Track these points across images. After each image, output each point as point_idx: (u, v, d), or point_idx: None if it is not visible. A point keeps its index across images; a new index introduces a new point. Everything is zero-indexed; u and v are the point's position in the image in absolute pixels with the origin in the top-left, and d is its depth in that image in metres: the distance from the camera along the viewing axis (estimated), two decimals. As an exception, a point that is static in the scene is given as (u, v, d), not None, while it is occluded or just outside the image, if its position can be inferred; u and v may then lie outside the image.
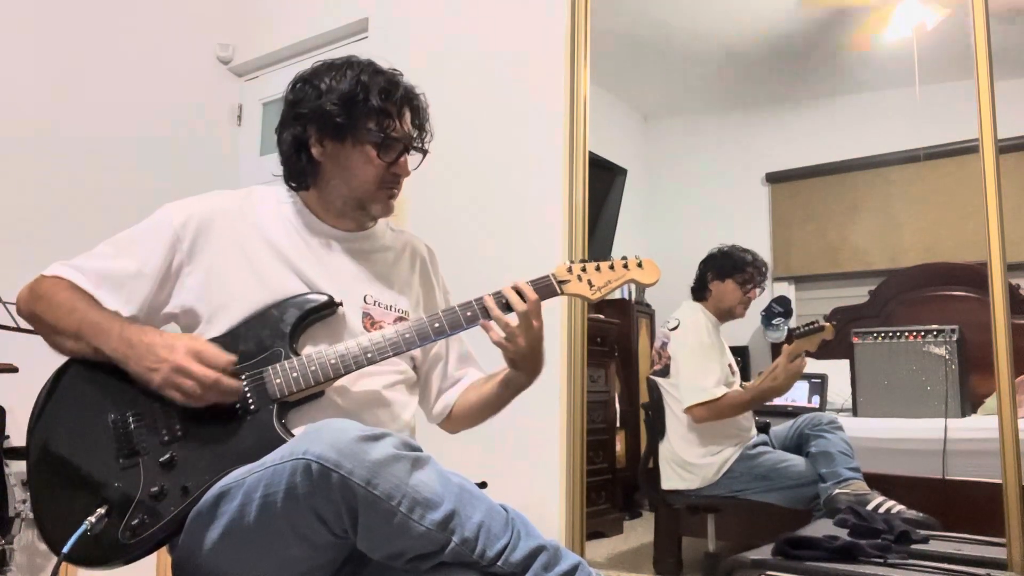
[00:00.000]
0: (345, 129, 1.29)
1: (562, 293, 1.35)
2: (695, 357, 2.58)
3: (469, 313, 1.30)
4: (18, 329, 2.22)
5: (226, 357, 1.19)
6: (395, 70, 1.36)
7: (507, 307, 1.30)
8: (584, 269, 1.35)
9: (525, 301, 1.29)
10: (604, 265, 1.36)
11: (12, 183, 2.78)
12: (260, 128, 3.57)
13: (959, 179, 2.65)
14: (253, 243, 1.33)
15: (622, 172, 3.27)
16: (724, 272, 2.66)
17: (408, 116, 1.34)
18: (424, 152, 1.37)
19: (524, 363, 1.34)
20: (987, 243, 1.92)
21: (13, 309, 2.27)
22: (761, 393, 2.50)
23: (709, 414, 2.49)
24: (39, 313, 1.26)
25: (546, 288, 1.33)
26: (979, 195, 1.94)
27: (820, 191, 3.14)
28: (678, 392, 2.57)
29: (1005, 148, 1.96)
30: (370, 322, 1.34)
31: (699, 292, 2.70)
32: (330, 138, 1.31)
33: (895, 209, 2.95)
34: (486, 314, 1.30)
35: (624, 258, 1.37)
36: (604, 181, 3.14)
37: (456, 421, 1.51)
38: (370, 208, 1.37)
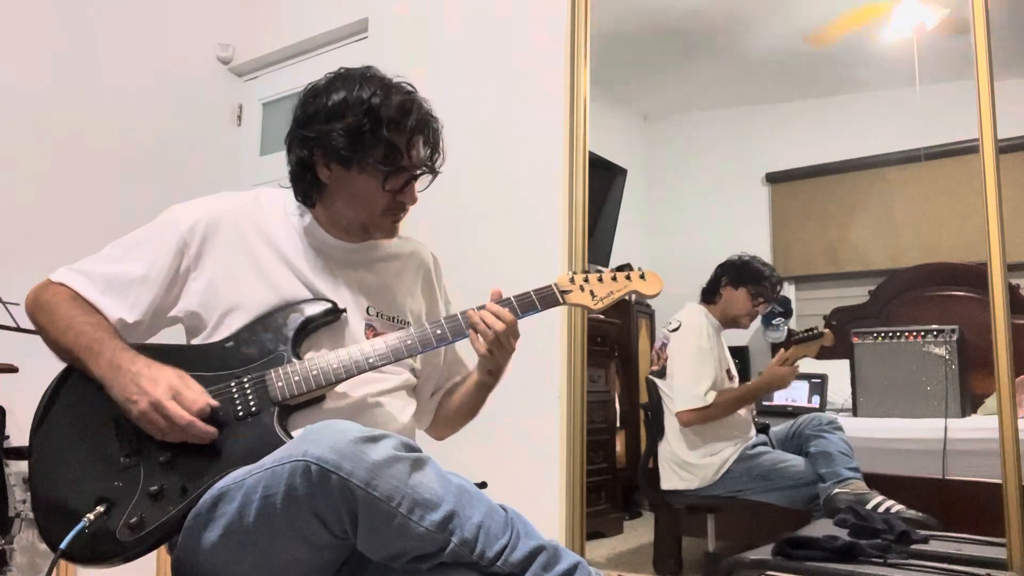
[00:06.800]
0: (351, 159, 1.28)
1: (564, 303, 1.35)
2: (691, 361, 2.58)
3: (470, 322, 1.31)
4: (18, 329, 2.22)
5: (203, 401, 1.18)
6: (409, 86, 1.34)
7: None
8: (587, 279, 1.36)
9: (504, 323, 1.30)
10: (607, 275, 1.37)
11: (12, 183, 2.78)
12: (260, 128, 3.57)
13: (959, 179, 2.65)
14: (260, 247, 1.33)
15: (622, 172, 3.26)
16: (739, 280, 2.66)
17: (419, 141, 1.32)
18: (435, 173, 1.36)
19: (498, 372, 1.39)
20: (987, 243, 1.92)
21: (13, 309, 2.28)
22: (747, 391, 2.53)
23: (698, 418, 2.50)
24: (41, 324, 1.27)
25: (548, 298, 1.34)
26: (979, 195, 1.94)
27: (820, 191, 3.14)
28: (672, 394, 2.57)
29: (1005, 148, 1.96)
30: (373, 333, 1.35)
31: (709, 294, 2.70)
32: (336, 163, 1.30)
33: (895, 209, 2.95)
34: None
35: (627, 268, 1.38)
36: (604, 181, 3.13)
37: (439, 427, 1.53)
38: (373, 232, 1.38)
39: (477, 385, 1.44)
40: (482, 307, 1.32)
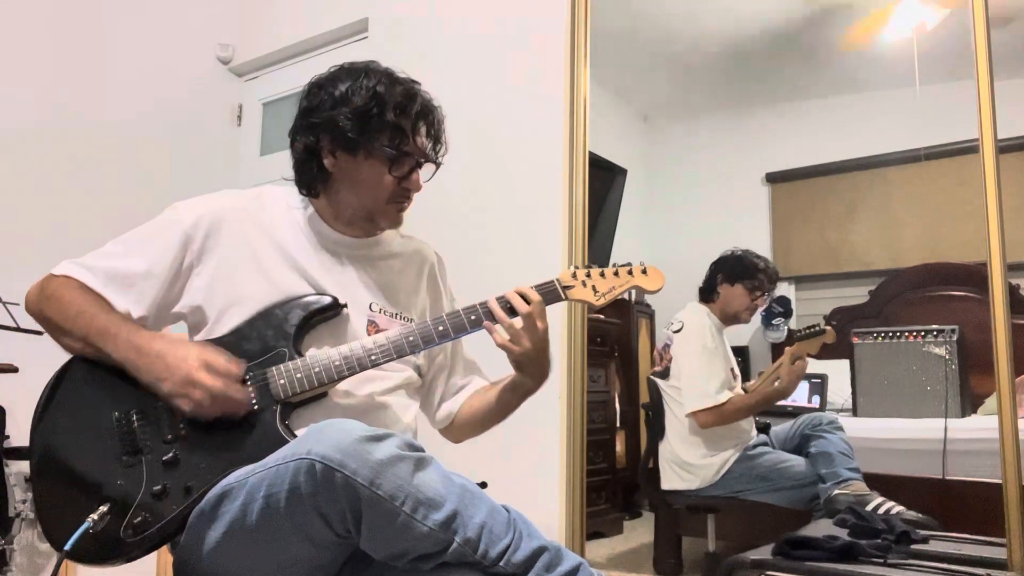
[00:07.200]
0: (358, 143, 1.29)
1: (566, 299, 1.35)
2: (698, 361, 2.57)
3: (473, 317, 1.30)
4: (18, 329, 2.22)
5: (235, 369, 1.19)
6: (413, 80, 1.35)
7: (511, 311, 1.30)
8: (588, 275, 1.35)
9: (529, 304, 1.29)
10: (608, 271, 1.36)
11: (12, 183, 2.78)
12: (260, 128, 3.57)
13: (959, 179, 2.65)
14: (262, 244, 1.33)
15: (622, 172, 3.27)
16: (735, 276, 2.64)
17: (423, 130, 1.33)
18: (437, 164, 1.37)
19: (530, 366, 1.35)
20: (987, 243, 1.92)
21: (13, 309, 2.28)
22: (765, 397, 2.50)
23: (713, 419, 2.48)
24: (48, 314, 1.26)
25: (551, 293, 1.33)
26: (979, 195, 1.94)
27: (820, 191, 3.15)
28: (680, 396, 2.56)
29: (1005, 148, 1.96)
30: (375, 330, 1.35)
31: (707, 293, 2.69)
32: (342, 150, 1.30)
33: (895, 209, 2.95)
34: (490, 317, 1.30)
35: (628, 264, 1.37)
36: (604, 181, 3.14)
37: (459, 429, 1.51)
38: (379, 221, 1.38)
39: (509, 386, 1.41)
40: (501, 296, 1.31)
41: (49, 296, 1.26)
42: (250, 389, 1.21)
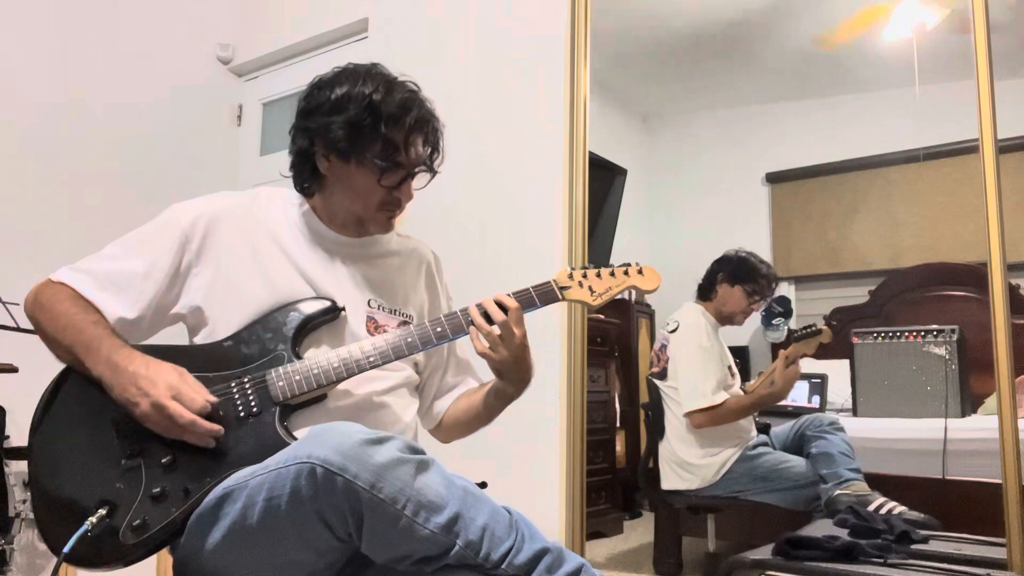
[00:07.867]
0: (350, 152, 1.29)
1: (563, 299, 1.35)
2: (694, 361, 2.57)
3: (470, 319, 1.30)
4: (18, 329, 2.22)
5: (203, 400, 1.17)
6: (412, 84, 1.34)
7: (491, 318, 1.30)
8: (585, 275, 1.36)
9: (505, 312, 1.28)
10: (605, 271, 1.37)
11: (11, 183, 2.78)
12: (260, 128, 3.57)
13: (959, 179, 2.66)
14: (261, 243, 1.34)
15: (622, 172, 3.27)
16: (736, 277, 2.63)
17: (418, 139, 1.33)
18: (433, 172, 1.37)
19: (509, 373, 1.34)
20: (987, 243, 1.92)
21: (13, 309, 2.28)
22: (760, 399, 2.50)
23: (708, 420, 2.48)
24: (40, 322, 1.26)
25: (547, 294, 1.34)
26: (979, 195, 1.94)
27: (820, 191, 3.14)
28: (678, 396, 2.56)
29: (1005, 148, 1.96)
30: (374, 326, 1.35)
31: (705, 291, 2.68)
32: (335, 155, 1.31)
33: (895, 209, 2.95)
34: (490, 321, 1.30)
35: (625, 264, 1.38)
36: (604, 181, 3.14)
37: (447, 429, 1.51)
38: (368, 226, 1.38)
39: (492, 391, 1.41)
40: (479, 303, 1.30)
41: (42, 305, 1.26)
42: (221, 408, 1.19)
